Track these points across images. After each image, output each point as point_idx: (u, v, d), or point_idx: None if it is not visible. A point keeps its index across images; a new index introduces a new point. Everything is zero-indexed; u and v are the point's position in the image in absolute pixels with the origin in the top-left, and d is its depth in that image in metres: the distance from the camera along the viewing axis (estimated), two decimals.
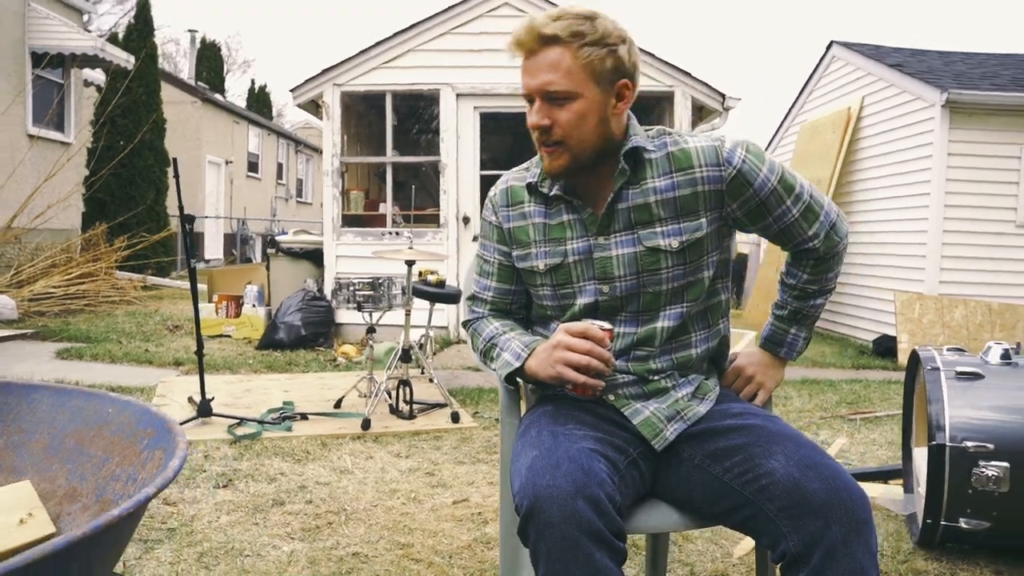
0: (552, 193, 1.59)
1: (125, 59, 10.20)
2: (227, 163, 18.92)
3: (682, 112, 6.81)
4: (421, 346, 4.96)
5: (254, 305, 6.97)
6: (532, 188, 1.62)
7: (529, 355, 1.53)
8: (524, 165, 1.69)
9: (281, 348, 6.29)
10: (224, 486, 3.16)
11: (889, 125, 7.73)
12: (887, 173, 7.80)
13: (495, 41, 6.79)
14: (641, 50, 6.48)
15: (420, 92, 6.92)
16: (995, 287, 6.92)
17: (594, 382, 1.43)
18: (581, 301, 1.58)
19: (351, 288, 4.26)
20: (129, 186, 11.03)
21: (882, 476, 3.35)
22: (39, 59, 9.23)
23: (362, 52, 6.78)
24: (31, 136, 9.20)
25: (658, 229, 1.53)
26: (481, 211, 1.79)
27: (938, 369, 2.55)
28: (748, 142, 1.56)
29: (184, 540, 2.61)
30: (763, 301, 9.82)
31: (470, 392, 4.99)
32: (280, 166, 22.98)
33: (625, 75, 1.49)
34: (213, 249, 18.28)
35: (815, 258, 1.67)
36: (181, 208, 3.82)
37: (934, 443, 2.43)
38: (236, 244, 17.43)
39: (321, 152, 26.70)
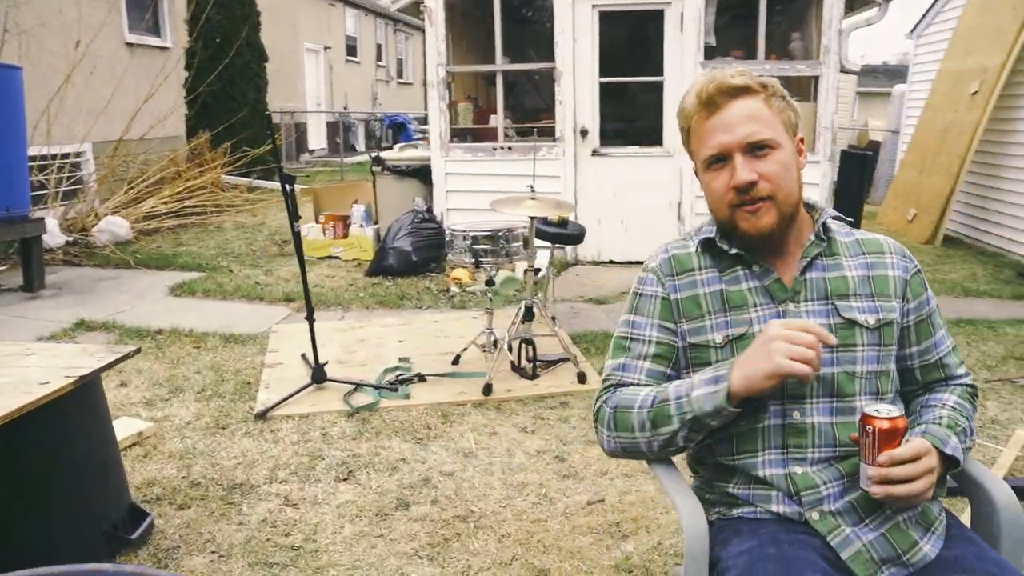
0: (733, 252, 1.45)
1: None
2: (325, 49, 18.47)
3: (832, 6, 5.86)
4: (537, 283, 4.57)
5: (361, 225, 6.75)
6: (706, 249, 1.49)
7: (730, 370, 1.32)
8: (681, 237, 1.58)
9: (391, 275, 6.08)
10: (345, 479, 2.99)
11: None
12: None
13: None
14: None
15: None
16: None
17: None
18: None
19: (467, 240, 3.90)
20: (230, 85, 10.78)
21: None
22: None
23: None
24: (129, 44, 9.00)
25: (854, 304, 1.41)
26: (640, 286, 1.56)
27: None
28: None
29: (308, 563, 2.44)
30: (901, 205, 8.88)
31: (594, 338, 4.65)
32: (379, 47, 22.36)
33: (799, 130, 1.44)
34: (316, 139, 18.19)
35: (965, 391, 1.49)
36: (280, 169, 3.48)
37: None
38: (340, 133, 17.19)
39: (421, 30, 25.65)
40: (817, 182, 5.99)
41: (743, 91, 1.37)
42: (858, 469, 1.28)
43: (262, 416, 3.49)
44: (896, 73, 19.63)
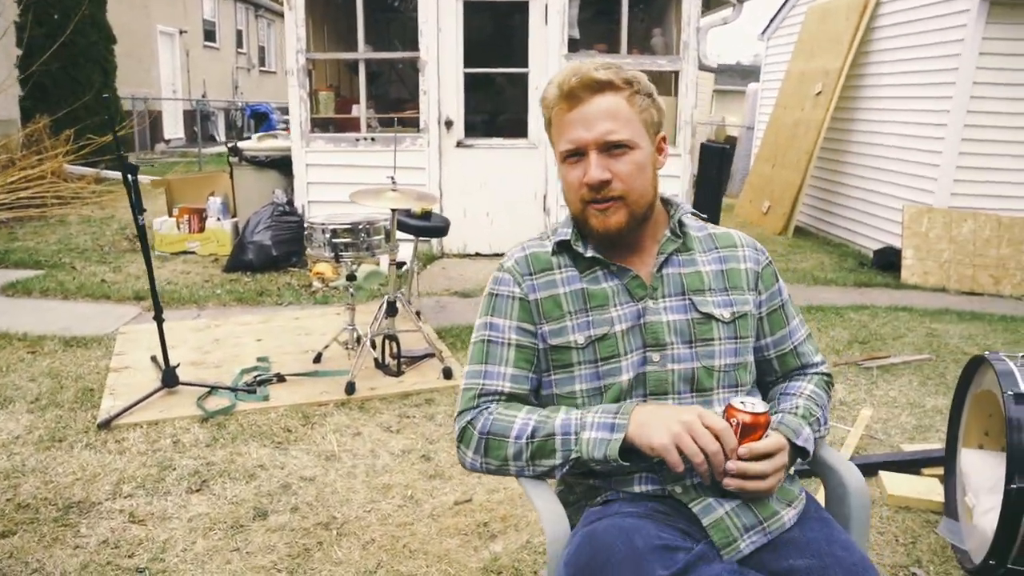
0: (589, 255, 1.43)
1: None
2: (181, 33, 17.43)
3: (691, 4, 6.07)
4: (401, 276, 4.46)
5: (219, 218, 6.40)
6: (563, 249, 1.46)
7: (629, 420, 1.28)
8: (537, 235, 1.54)
9: (250, 270, 5.80)
10: (197, 489, 2.80)
11: (913, 15, 7.04)
12: (904, 70, 7.18)
13: None
14: None
15: None
16: (1010, 200, 6.54)
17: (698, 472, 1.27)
18: (626, 376, 1.37)
19: (326, 234, 3.76)
20: (72, 67, 9.91)
21: (915, 465, 3.05)
22: None
23: None
24: None
25: (709, 299, 1.42)
26: (494, 284, 1.51)
27: None
28: None
29: None
30: (756, 198, 9.37)
31: (459, 332, 4.60)
32: (240, 33, 21.34)
33: (662, 128, 1.43)
34: (172, 128, 17.14)
35: (821, 379, 1.54)
36: (121, 157, 3.21)
37: (1014, 486, 2.12)
38: (197, 122, 16.30)
39: (284, 16, 24.55)
40: (678, 175, 6.20)
41: (606, 86, 1.34)
42: None
43: (106, 425, 3.22)
44: (749, 72, 20.72)
